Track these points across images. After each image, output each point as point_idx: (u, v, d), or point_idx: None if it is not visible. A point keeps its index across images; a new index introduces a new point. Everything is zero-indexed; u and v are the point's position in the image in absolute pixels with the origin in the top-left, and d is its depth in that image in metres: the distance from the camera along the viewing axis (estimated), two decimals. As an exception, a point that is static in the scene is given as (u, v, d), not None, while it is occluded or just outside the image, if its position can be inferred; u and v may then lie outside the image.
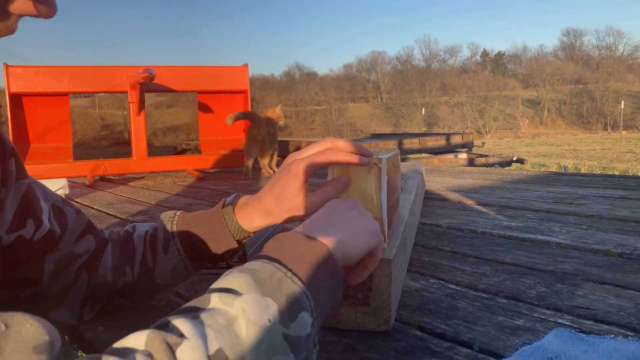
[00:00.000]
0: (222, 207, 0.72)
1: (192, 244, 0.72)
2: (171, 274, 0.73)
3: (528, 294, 0.79)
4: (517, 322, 0.68)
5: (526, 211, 1.49)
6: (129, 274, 0.73)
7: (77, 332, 0.72)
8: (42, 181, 0.74)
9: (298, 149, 5.15)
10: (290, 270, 0.46)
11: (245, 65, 3.24)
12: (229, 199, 0.73)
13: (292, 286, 0.45)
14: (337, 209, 0.59)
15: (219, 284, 0.45)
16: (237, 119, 2.77)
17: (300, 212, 0.67)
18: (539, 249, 1.07)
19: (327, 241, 0.52)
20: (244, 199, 0.73)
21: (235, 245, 0.71)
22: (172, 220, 0.74)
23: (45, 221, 0.68)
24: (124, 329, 0.71)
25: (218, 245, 0.71)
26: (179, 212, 0.76)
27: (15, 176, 0.64)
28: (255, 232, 0.72)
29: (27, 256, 0.67)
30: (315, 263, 0.48)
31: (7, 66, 2.78)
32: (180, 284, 0.91)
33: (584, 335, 0.61)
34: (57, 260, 0.70)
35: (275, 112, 2.91)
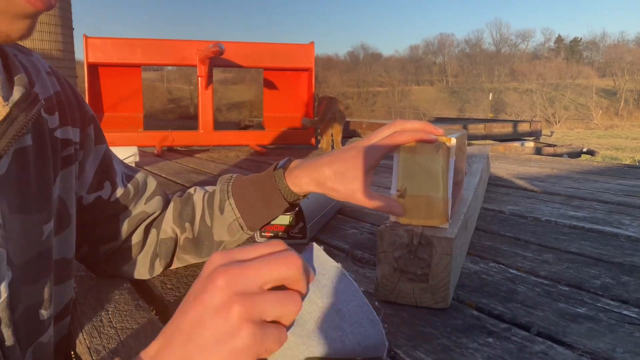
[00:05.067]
0: (274, 170, 0.75)
1: (246, 205, 0.76)
2: (227, 232, 0.77)
3: (592, 284, 0.77)
4: (578, 309, 0.67)
5: (594, 202, 1.44)
6: (189, 231, 0.78)
7: (147, 289, 0.77)
8: (114, 148, 0.79)
9: (355, 131, 5.10)
10: None
11: (311, 43, 3.25)
12: (280, 163, 0.77)
13: None
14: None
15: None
16: (312, 124, 3.08)
17: (351, 197, 0.68)
18: (606, 240, 1.03)
19: None
20: (295, 162, 0.76)
21: (286, 205, 0.75)
22: (228, 183, 0.78)
23: (120, 184, 0.73)
24: (189, 287, 0.75)
25: (271, 205, 0.75)
26: (235, 175, 0.80)
27: (94, 141, 0.69)
28: (305, 195, 0.75)
29: (105, 215, 0.72)
30: None
31: (86, 37, 2.91)
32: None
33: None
34: (131, 219, 0.75)
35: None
